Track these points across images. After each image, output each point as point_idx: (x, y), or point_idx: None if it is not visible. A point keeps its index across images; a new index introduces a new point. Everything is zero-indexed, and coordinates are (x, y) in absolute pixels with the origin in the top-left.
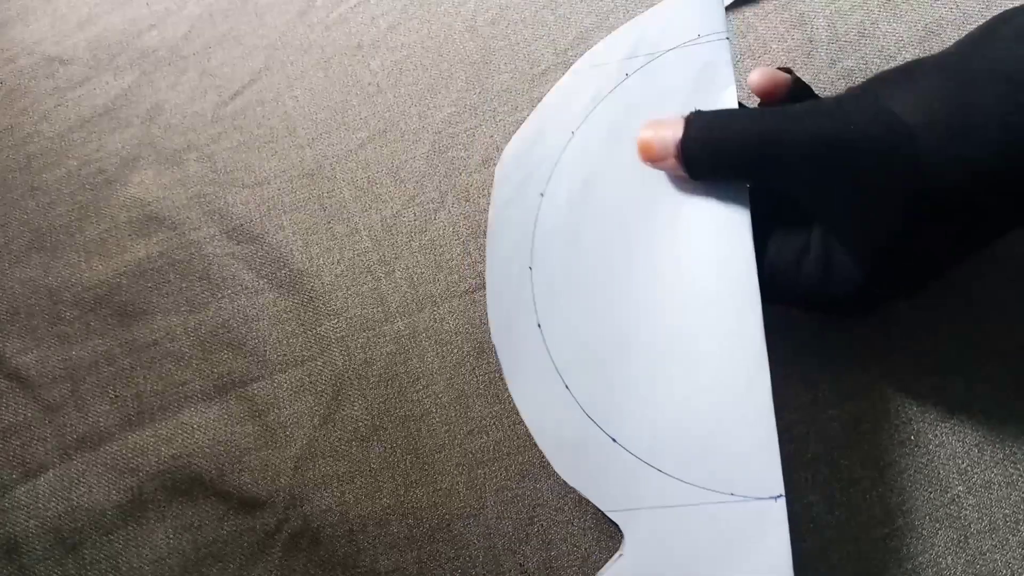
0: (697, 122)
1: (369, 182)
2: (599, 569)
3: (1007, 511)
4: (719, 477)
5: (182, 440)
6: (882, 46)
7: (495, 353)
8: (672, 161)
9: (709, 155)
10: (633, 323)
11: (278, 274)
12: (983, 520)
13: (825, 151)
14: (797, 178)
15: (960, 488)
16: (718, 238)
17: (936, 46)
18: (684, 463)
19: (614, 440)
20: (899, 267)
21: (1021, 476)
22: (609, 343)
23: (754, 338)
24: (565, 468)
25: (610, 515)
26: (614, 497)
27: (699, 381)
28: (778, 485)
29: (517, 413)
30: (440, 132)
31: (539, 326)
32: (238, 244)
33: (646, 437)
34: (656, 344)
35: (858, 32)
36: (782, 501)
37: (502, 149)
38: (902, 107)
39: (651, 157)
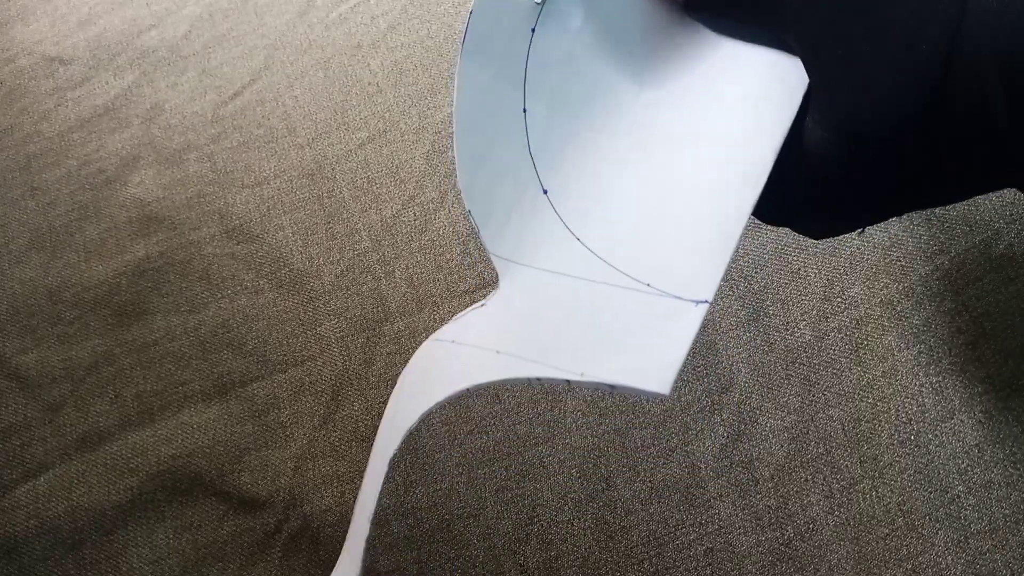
0: None
1: (369, 182)
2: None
3: (1007, 511)
4: (641, 264)
5: (182, 440)
6: None
7: (464, 27)
8: None
9: None
10: (632, 96)
11: (278, 274)
12: (983, 520)
13: None
14: (812, 18)
15: (960, 488)
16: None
17: None
18: (609, 241)
19: (545, 192)
20: (876, 161)
21: (1021, 476)
22: (596, 103)
23: (768, 146)
24: (470, 185)
25: (493, 258)
26: (509, 243)
27: (680, 169)
28: (709, 290)
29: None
30: (440, 132)
31: (531, 41)
32: (238, 244)
33: (581, 204)
34: (650, 120)
35: None
36: (703, 308)
37: None
38: None
39: None
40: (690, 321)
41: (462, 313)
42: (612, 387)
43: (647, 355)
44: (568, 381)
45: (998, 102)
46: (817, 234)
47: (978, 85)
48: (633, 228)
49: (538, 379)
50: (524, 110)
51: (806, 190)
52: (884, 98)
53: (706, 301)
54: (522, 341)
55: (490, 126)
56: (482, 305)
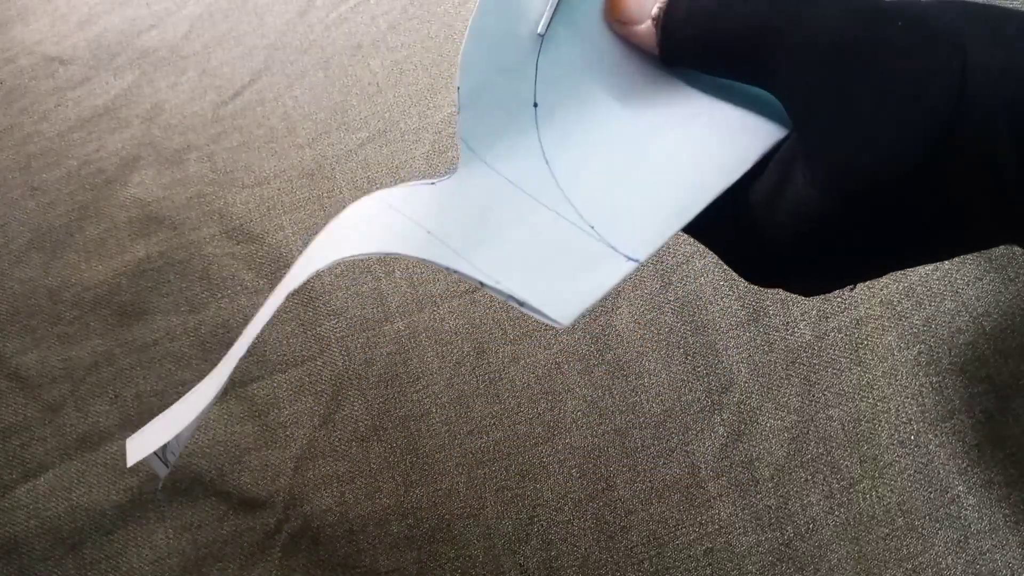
0: None
1: (369, 182)
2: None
3: (1007, 511)
4: (593, 206)
5: None
6: None
7: None
8: (647, 27)
9: (702, 29)
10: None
11: (278, 274)
12: (983, 520)
13: (859, 35)
14: (804, 73)
15: (960, 488)
16: None
17: None
18: (573, 174)
19: (536, 105)
20: (872, 220)
21: (1021, 476)
22: (617, 43)
23: (753, 149)
24: (470, 63)
25: (460, 143)
26: (482, 136)
27: (668, 135)
28: (644, 252)
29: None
30: (440, 132)
31: None
32: (238, 244)
33: (562, 130)
34: (663, 77)
35: None
36: (631, 266)
37: None
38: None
39: (621, 17)
40: (615, 272)
41: (409, 183)
42: (521, 303)
43: (563, 287)
44: (482, 283)
45: (1007, 155)
46: (809, 293)
47: (985, 139)
48: (600, 171)
49: (455, 270)
50: (548, 24)
51: (800, 251)
52: (886, 155)
53: (637, 260)
54: (455, 231)
55: (512, 17)
56: (432, 183)
